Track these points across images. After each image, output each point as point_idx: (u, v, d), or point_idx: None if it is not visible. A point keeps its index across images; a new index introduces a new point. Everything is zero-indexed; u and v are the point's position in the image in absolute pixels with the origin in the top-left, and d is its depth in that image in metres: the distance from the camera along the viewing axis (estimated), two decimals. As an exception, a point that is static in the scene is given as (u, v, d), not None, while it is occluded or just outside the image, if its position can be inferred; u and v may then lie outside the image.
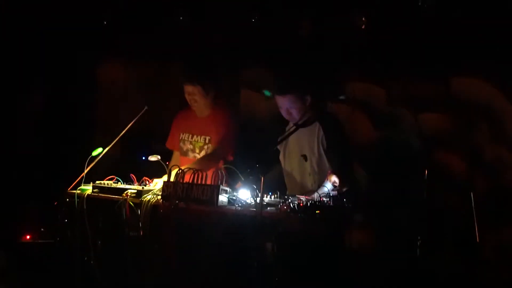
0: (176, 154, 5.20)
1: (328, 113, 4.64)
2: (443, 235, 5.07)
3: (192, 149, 5.07)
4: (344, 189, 4.20)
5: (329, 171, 4.28)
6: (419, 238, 4.92)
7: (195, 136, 5.07)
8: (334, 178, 4.14)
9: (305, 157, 4.57)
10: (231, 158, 4.93)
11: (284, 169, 4.77)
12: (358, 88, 6.08)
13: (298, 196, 4.04)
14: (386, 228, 5.67)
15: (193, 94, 4.94)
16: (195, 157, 5.03)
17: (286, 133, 4.43)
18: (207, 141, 5.01)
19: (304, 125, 4.39)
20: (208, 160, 4.82)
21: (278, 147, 4.71)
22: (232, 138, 4.94)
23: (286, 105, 4.55)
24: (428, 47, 5.54)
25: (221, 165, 4.63)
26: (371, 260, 4.85)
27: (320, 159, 4.52)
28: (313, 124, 4.50)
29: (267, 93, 5.47)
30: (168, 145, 5.26)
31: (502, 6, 5.06)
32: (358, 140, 6.03)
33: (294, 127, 4.46)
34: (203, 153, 5.00)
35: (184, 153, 5.11)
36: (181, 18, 5.95)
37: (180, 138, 5.14)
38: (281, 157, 4.77)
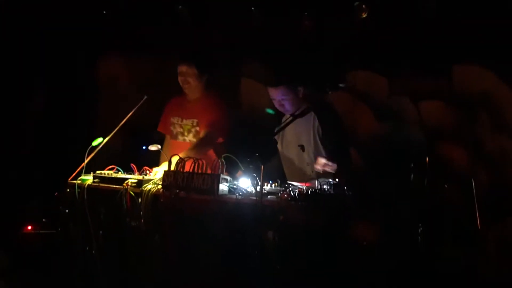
0: (167, 138, 5.25)
1: (324, 102, 4.63)
2: (444, 226, 5.05)
3: (182, 132, 5.13)
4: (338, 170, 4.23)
5: (317, 157, 4.29)
6: (420, 229, 4.90)
7: (184, 120, 5.12)
8: (322, 161, 4.16)
9: (302, 147, 4.58)
10: (221, 140, 4.97)
11: (282, 159, 4.77)
12: (359, 78, 6.07)
13: (299, 184, 4.03)
14: (387, 219, 5.67)
15: (187, 74, 4.98)
16: (184, 140, 5.09)
17: (282, 124, 4.43)
18: (194, 124, 5.06)
19: (300, 115, 4.38)
20: (200, 145, 4.86)
21: (276, 137, 4.71)
22: (222, 121, 4.96)
23: (278, 96, 4.57)
24: (429, 38, 5.54)
25: (214, 153, 4.66)
26: (371, 251, 4.85)
27: (317, 148, 4.54)
28: (308, 114, 4.51)
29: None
30: (160, 128, 5.30)
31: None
32: (358, 130, 6.03)
33: (291, 118, 4.46)
34: (191, 135, 5.06)
35: (175, 136, 5.17)
36: (180, 8, 5.93)
37: (171, 122, 5.19)
38: (279, 146, 4.78)
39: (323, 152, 4.48)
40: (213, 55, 5.68)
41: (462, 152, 5.53)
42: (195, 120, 5.05)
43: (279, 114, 4.82)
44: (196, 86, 5.03)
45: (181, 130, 5.12)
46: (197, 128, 5.04)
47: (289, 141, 4.71)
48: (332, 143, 4.48)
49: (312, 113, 4.53)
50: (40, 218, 5.63)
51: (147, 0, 6.23)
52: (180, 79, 5.01)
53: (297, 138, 4.64)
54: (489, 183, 5.59)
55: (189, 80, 4.99)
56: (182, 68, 5.00)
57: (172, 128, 5.18)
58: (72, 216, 4.52)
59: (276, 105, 4.63)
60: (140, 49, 6.67)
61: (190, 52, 5.23)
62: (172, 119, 5.19)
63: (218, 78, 5.41)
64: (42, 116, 6.68)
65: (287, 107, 4.58)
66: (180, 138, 5.13)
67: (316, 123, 4.53)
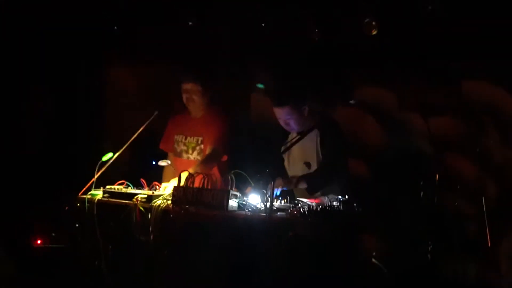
0: (170, 156, 5.20)
1: (327, 119, 4.65)
2: (454, 240, 5.04)
3: (186, 150, 5.11)
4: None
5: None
6: (430, 243, 4.90)
7: (188, 138, 5.11)
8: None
9: (308, 165, 4.60)
10: (225, 158, 4.96)
11: (288, 175, 4.78)
12: (368, 93, 6.08)
13: (308, 200, 4.04)
14: (396, 233, 5.66)
15: (191, 92, 4.97)
16: (188, 158, 5.07)
17: (289, 144, 4.45)
18: (199, 142, 5.05)
19: (306, 134, 4.38)
20: (205, 162, 4.84)
21: (283, 155, 4.73)
22: (226, 137, 4.96)
23: (283, 116, 4.59)
24: (437, 51, 5.54)
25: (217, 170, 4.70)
26: (381, 266, 4.84)
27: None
28: (313, 132, 4.52)
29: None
30: (162, 146, 5.29)
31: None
32: (368, 145, 6.03)
33: (297, 136, 4.49)
34: (195, 153, 5.05)
35: (178, 154, 5.14)
36: (187, 20, 5.94)
37: (174, 139, 5.17)
38: (286, 164, 4.78)
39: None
40: (218, 68, 5.65)
41: (471, 165, 5.52)
42: (200, 138, 5.05)
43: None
44: (201, 103, 5.03)
45: (185, 148, 5.11)
46: (202, 146, 5.03)
47: (295, 158, 4.73)
48: (329, 158, 4.50)
49: (316, 130, 4.54)
50: (50, 232, 5.64)
51: (152, 9, 6.22)
52: (184, 96, 5.00)
53: (303, 155, 4.66)
54: (498, 196, 5.58)
55: (194, 97, 4.98)
56: (187, 86, 4.99)
57: (175, 146, 5.16)
58: (81, 231, 4.52)
59: (282, 124, 4.66)
60: (149, 54, 6.66)
61: (194, 69, 5.21)
62: (176, 137, 5.17)
63: (223, 91, 5.42)
64: (53, 127, 6.69)
65: (293, 126, 4.61)
66: (184, 156, 5.10)
67: (319, 139, 4.57)
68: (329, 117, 4.67)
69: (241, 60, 6.21)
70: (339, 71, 5.89)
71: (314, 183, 4.46)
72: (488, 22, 5.13)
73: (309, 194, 4.31)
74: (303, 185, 4.46)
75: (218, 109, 5.11)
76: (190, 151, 5.07)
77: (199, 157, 5.00)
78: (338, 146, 4.56)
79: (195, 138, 5.06)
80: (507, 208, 5.54)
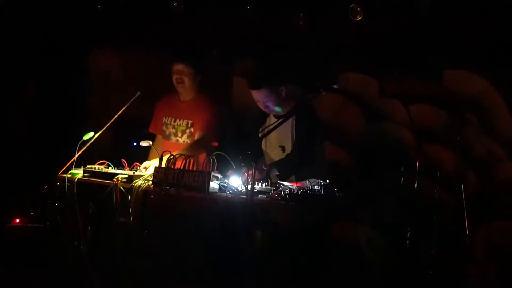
0: (158, 138, 5.18)
1: (303, 103, 4.65)
2: (433, 228, 5.09)
3: (175, 132, 5.07)
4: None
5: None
6: (408, 230, 4.94)
7: (177, 120, 5.07)
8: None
9: (283, 148, 4.61)
10: (216, 144, 4.94)
11: (265, 158, 4.79)
12: (350, 79, 6.10)
13: (289, 184, 4.04)
14: (375, 220, 5.71)
15: (182, 73, 4.93)
16: (177, 140, 5.03)
17: (266, 131, 4.45)
18: (189, 125, 5.01)
19: (285, 118, 4.38)
20: (194, 147, 4.80)
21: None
22: (217, 124, 4.94)
23: (261, 98, 4.60)
24: (421, 41, 5.57)
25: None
26: (359, 251, 4.89)
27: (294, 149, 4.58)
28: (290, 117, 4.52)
29: None
30: (151, 129, 5.24)
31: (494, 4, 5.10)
32: (348, 130, 6.06)
33: (276, 121, 4.49)
34: (185, 136, 5.02)
35: (167, 137, 5.11)
36: (174, 4, 5.91)
37: (163, 122, 5.14)
38: (263, 146, 4.79)
39: None
40: (205, 53, 5.63)
41: (451, 155, 5.57)
42: (190, 121, 5.01)
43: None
44: (190, 86, 4.98)
45: (174, 130, 5.07)
46: (192, 130, 5.00)
47: (271, 141, 4.74)
48: (302, 143, 4.52)
49: (294, 115, 4.55)
50: (29, 211, 5.60)
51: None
52: (175, 77, 4.95)
53: (279, 139, 4.67)
54: (478, 186, 5.64)
55: (184, 79, 4.93)
56: (179, 67, 4.94)
57: (164, 128, 5.12)
58: (61, 210, 4.49)
59: (261, 107, 4.66)
60: (132, 44, 6.65)
61: (186, 51, 5.19)
62: (164, 119, 5.13)
63: (210, 76, 5.40)
64: (33, 109, 6.64)
65: (271, 108, 4.62)
66: (173, 138, 5.07)
67: (294, 125, 4.58)
68: (305, 102, 4.67)
69: (223, 43, 6.20)
70: (321, 55, 5.90)
71: (285, 169, 4.47)
72: (473, 16, 5.18)
73: (280, 180, 4.32)
74: (274, 172, 4.48)
75: (209, 94, 5.09)
76: (180, 134, 5.04)
77: (188, 141, 4.98)
78: (312, 131, 4.57)
79: (185, 121, 5.04)
80: (485, 197, 5.61)
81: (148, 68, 6.64)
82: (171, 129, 5.08)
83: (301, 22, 5.56)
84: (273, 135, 4.64)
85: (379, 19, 5.44)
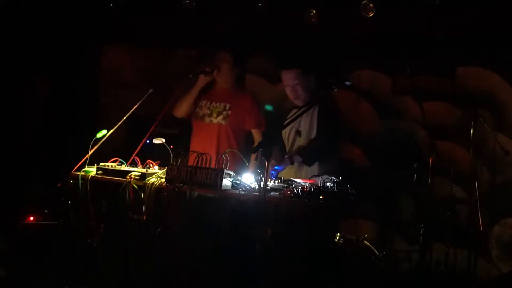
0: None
1: (328, 96, 4.66)
2: (446, 225, 5.06)
3: (210, 114, 5.12)
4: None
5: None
6: (422, 227, 4.92)
7: (214, 103, 5.14)
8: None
9: (299, 133, 4.65)
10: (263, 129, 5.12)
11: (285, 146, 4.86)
12: (363, 77, 6.09)
13: (302, 181, 4.04)
14: (388, 217, 5.70)
15: (224, 60, 5.07)
16: (211, 121, 5.09)
17: (292, 117, 4.44)
18: (226, 108, 5.09)
19: (307, 109, 4.40)
20: None
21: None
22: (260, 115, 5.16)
23: (292, 80, 4.62)
24: (434, 37, 5.55)
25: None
26: (371, 248, 4.87)
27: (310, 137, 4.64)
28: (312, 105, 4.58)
29: (268, 107, 5.59)
30: (176, 112, 5.21)
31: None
32: (361, 128, 6.05)
33: (298, 111, 4.52)
34: (220, 118, 5.07)
35: (200, 118, 5.15)
36: (187, 1, 5.91)
37: (196, 104, 5.18)
38: (284, 136, 4.88)
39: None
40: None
41: (465, 151, 5.55)
42: (228, 105, 5.09)
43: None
44: (229, 75, 5.11)
45: (209, 112, 5.12)
46: (229, 112, 5.07)
47: (290, 128, 4.79)
48: (325, 130, 4.55)
49: (317, 104, 4.59)
50: (42, 209, 5.62)
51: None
52: (215, 65, 5.07)
53: (296, 123, 4.70)
54: (491, 183, 5.61)
55: (225, 66, 5.07)
56: (221, 54, 5.08)
57: (197, 109, 5.17)
58: (74, 208, 4.51)
59: (289, 92, 4.69)
60: (145, 41, 6.66)
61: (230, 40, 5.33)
62: (198, 102, 5.18)
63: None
64: (47, 107, 6.67)
65: (300, 93, 4.66)
66: (207, 119, 5.11)
67: (316, 113, 4.61)
68: (329, 94, 4.69)
69: (235, 41, 6.20)
70: (335, 53, 5.89)
71: (310, 154, 4.51)
72: (485, 13, 5.15)
73: (307, 165, 4.40)
74: (297, 159, 4.50)
75: (244, 87, 5.33)
76: (215, 115, 5.10)
77: (223, 122, 5.05)
78: (335, 122, 4.63)
79: (223, 104, 5.11)
80: (499, 194, 5.58)
81: (160, 66, 6.67)
82: (205, 110, 5.14)
83: (313, 20, 5.54)
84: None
85: (391, 15, 5.42)
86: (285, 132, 4.84)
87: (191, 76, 5.05)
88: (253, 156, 4.60)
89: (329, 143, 4.57)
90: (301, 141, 4.70)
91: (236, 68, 5.13)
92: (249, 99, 5.15)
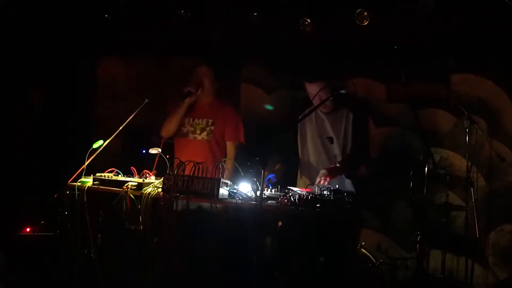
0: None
1: (360, 103, 4.73)
2: (442, 232, 5.07)
3: (193, 130, 5.16)
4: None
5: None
6: (418, 234, 4.92)
7: (196, 120, 5.18)
8: (323, 172, 4.38)
9: (331, 139, 4.68)
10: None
11: (300, 151, 4.91)
12: (358, 85, 6.09)
13: (299, 189, 4.05)
14: (385, 225, 5.70)
15: (204, 75, 5.10)
16: (195, 138, 5.14)
17: (307, 111, 4.46)
18: (209, 124, 5.14)
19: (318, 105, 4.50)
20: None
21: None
22: (241, 126, 5.18)
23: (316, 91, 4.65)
24: (428, 44, 5.56)
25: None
26: (369, 256, 4.87)
27: (345, 143, 4.74)
28: (342, 111, 4.70)
29: (269, 107, 5.62)
30: (164, 133, 5.23)
31: (500, 5, 5.08)
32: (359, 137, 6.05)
33: (313, 106, 4.59)
34: (204, 134, 5.13)
35: (184, 135, 5.18)
36: (181, 12, 5.92)
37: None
38: (298, 138, 4.93)
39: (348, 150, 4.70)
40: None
41: (460, 158, 5.56)
42: (210, 120, 5.14)
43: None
44: (210, 90, 5.15)
45: (192, 129, 5.17)
46: (212, 128, 5.13)
47: (313, 132, 4.87)
48: (358, 143, 4.67)
49: (346, 110, 4.70)
50: (39, 220, 5.61)
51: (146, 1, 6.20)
52: (196, 80, 5.10)
53: (324, 131, 4.80)
54: (487, 189, 5.62)
55: (205, 80, 5.11)
56: (203, 69, 5.12)
57: (181, 128, 5.19)
58: (71, 218, 4.50)
59: (316, 101, 4.66)
60: (140, 52, 6.67)
61: (210, 54, 5.29)
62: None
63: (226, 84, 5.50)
64: (43, 118, 6.66)
65: (327, 103, 4.65)
66: (191, 136, 5.15)
67: (350, 120, 4.72)
68: (361, 101, 4.76)
69: (230, 50, 6.21)
70: (328, 61, 5.90)
71: (351, 166, 4.63)
72: (480, 20, 5.17)
73: (348, 178, 4.55)
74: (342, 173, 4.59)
75: (225, 99, 5.29)
76: (198, 131, 5.15)
77: (207, 137, 5.11)
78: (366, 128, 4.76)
79: (205, 120, 5.16)
80: (495, 200, 5.59)
81: (155, 76, 6.67)
82: (188, 128, 5.17)
83: (308, 29, 5.55)
84: (312, 127, 4.74)
85: (385, 24, 5.43)
86: (301, 138, 4.89)
87: (179, 102, 5.08)
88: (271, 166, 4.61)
89: (364, 153, 4.65)
90: (336, 149, 4.76)
91: (216, 82, 5.18)
92: (230, 111, 5.19)
